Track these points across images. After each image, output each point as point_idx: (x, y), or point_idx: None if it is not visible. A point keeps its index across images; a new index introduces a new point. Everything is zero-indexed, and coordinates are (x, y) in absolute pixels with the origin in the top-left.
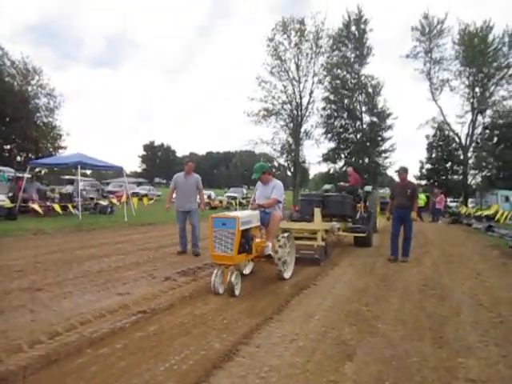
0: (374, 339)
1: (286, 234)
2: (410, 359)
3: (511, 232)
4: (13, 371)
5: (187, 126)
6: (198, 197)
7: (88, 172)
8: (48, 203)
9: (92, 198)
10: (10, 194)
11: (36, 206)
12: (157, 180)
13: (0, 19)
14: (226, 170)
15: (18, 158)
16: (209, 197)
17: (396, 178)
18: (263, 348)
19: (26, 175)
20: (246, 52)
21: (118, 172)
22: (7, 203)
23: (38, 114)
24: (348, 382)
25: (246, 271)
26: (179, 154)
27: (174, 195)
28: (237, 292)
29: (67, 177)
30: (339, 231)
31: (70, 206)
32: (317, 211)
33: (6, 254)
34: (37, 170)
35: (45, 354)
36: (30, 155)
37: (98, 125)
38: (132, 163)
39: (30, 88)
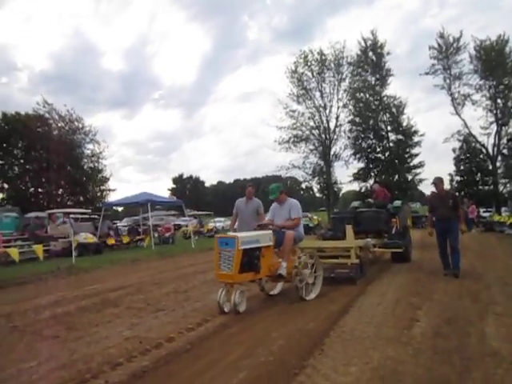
0: (432, 302)
1: (306, 254)
2: (457, 308)
3: None
4: (215, 328)
5: (211, 156)
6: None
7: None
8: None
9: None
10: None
11: (116, 240)
12: (188, 211)
13: (18, 73)
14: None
15: (69, 202)
16: None
17: (426, 191)
18: (362, 308)
19: (101, 216)
20: (264, 78)
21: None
22: (96, 240)
23: (84, 160)
24: (422, 316)
25: (275, 292)
26: (207, 184)
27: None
28: (241, 310)
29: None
30: (375, 247)
31: (146, 238)
32: (348, 228)
33: (131, 275)
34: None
35: (228, 319)
36: (79, 198)
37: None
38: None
39: (75, 137)
